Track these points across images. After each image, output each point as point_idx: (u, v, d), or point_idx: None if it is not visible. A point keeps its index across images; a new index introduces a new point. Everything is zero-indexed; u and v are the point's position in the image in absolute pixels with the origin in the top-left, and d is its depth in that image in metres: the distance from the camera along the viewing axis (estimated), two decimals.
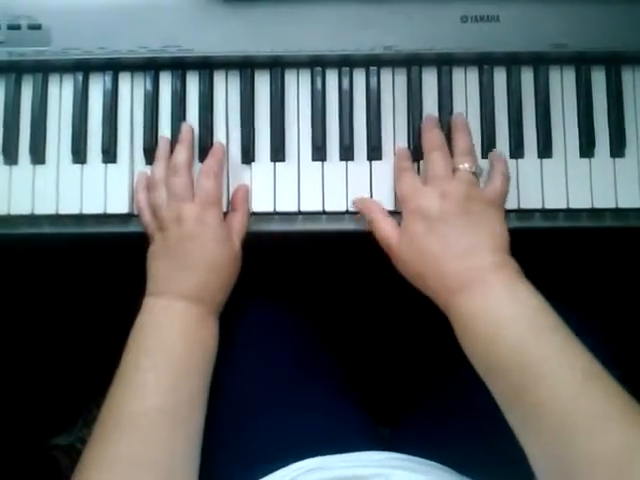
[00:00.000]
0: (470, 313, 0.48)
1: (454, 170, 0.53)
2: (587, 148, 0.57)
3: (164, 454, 0.47)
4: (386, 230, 0.54)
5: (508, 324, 0.47)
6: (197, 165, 0.58)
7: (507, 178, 0.54)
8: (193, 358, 0.51)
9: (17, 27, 0.57)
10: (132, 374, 0.50)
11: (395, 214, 0.56)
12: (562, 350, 0.45)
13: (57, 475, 0.91)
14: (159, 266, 0.54)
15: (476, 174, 0.53)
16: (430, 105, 0.58)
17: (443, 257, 0.50)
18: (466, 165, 0.53)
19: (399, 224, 0.54)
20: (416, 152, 0.57)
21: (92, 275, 0.87)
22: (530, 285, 0.49)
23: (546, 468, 0.43)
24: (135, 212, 0.58)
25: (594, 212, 0.57)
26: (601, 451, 0.40)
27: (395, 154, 0.58)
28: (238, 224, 0.56)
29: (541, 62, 0.58)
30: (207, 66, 0.59)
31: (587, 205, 0.57)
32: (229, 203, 0.58)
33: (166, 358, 0.50)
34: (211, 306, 0.54)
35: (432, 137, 0.55)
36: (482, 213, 0.51)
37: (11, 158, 0.58)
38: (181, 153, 0.56)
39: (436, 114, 0.58)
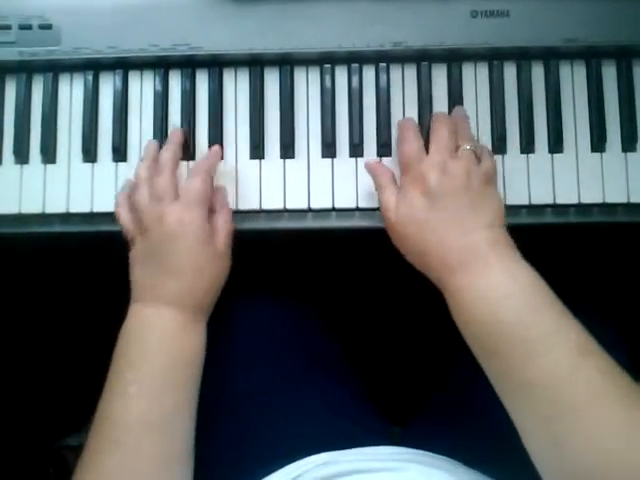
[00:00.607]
0: (466, 291, 0.48)
1: (456, 149, 0.52)
2: (598, 143, 0.57)
3: (152, 466, 0.47)
4: (389, 199, 0.53)
5: (504, 302, 0.46)
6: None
7: (491, 154, 0.54)
8: (178, 369, 0.51)
9: (28, 27, 0.57)
10: (117, 386, 0.50)
11: None
12: (558, 327, 0.45)
13: (68, 475, 0.91)
14: (141, 272, 0.53)
15: (477, 154, 0.52)
16: (440, 101, 0.58)
17: (443, 231, 0.49)
18: (467, 146, 0.52)
19: None
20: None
21: (103, 273, 0.87)
22: (524, 261, 0.48)
23: (538, 443, 0.43)
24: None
25: (606, 207, 0.57)
26: (599, 428, 0.40)
27: None
28: (222, 225, 0.55)
29: (551, 57, 0.58)
30: (217, 64, 0.59)
31: (599, 200, 0.56)
32: (237, 201, 0.57)
33: (150, 370, 0.50)
34: (198, 312, 0.53)
35: (442, 118, 0.55)
36: (481, 191, 0.51)
37: (22, 157, 0.59)
38: (166, 152, 0.55)
39: (446, 110, 0.58)
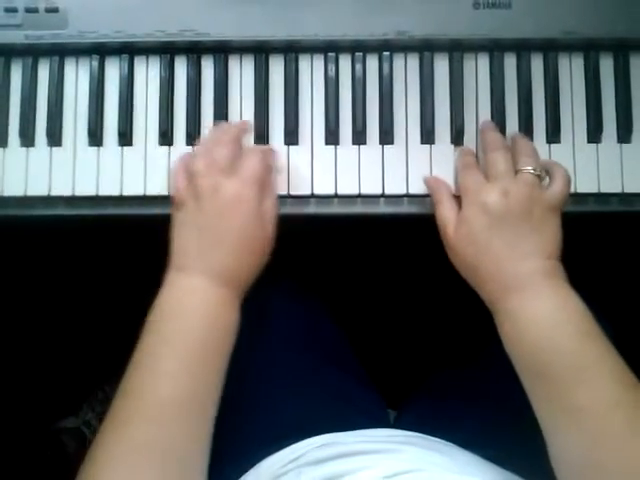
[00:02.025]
0: (519, 315, 0.49)
1: (516, 171, 0.52)
2: (595, 133, 0.58)
3: (179, 441, 0.46)
4: (447, 215, 0.54)
5: (557, 329, 0.48)
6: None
7: (569, 181, 0.54)
8: (214, 346, 0.50)
9: (35, 10, 0.57)
10: (150, 361, 0.48)
11: (411, 197, 0.58)
12: (604, 357, 0.47)
13: (64, 458, 0.92)
14: (189, 237, 0.51)
15: (540, 177, 0.52)
16: (442, 90, 0.59)
17: (502, 256, 0.50)
18: (529, 167, 0.52)
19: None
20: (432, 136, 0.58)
21: (105, 258, 0.88)
22: (574, 292, 0.50)
23: (580, 465, 0.44)
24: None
25: (601, 197, 0.58)
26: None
27: (407, 137, 0.59)
28: (270, 209, 0.54)
29: (551, 49, 0.59)
30: (222, 51, 0.59)
31: (594, 190, 0.58)
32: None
33: (186, 346, 0.48)
34: (238, 290, 0.52)
35: (493, 137, 0.56)
36: (543, 218, 0.51)
37: (28, 140, 0.59)
38: (236, 128, 0.56)
39: (447, 99, 0.59)
